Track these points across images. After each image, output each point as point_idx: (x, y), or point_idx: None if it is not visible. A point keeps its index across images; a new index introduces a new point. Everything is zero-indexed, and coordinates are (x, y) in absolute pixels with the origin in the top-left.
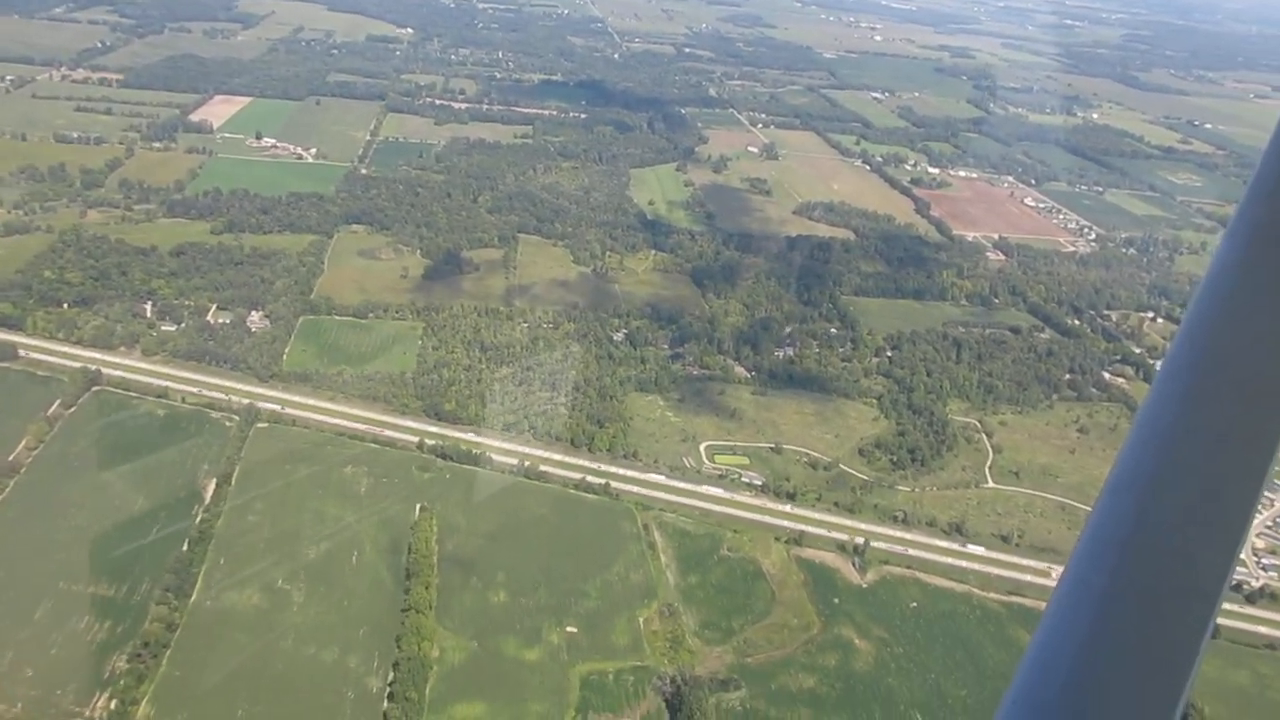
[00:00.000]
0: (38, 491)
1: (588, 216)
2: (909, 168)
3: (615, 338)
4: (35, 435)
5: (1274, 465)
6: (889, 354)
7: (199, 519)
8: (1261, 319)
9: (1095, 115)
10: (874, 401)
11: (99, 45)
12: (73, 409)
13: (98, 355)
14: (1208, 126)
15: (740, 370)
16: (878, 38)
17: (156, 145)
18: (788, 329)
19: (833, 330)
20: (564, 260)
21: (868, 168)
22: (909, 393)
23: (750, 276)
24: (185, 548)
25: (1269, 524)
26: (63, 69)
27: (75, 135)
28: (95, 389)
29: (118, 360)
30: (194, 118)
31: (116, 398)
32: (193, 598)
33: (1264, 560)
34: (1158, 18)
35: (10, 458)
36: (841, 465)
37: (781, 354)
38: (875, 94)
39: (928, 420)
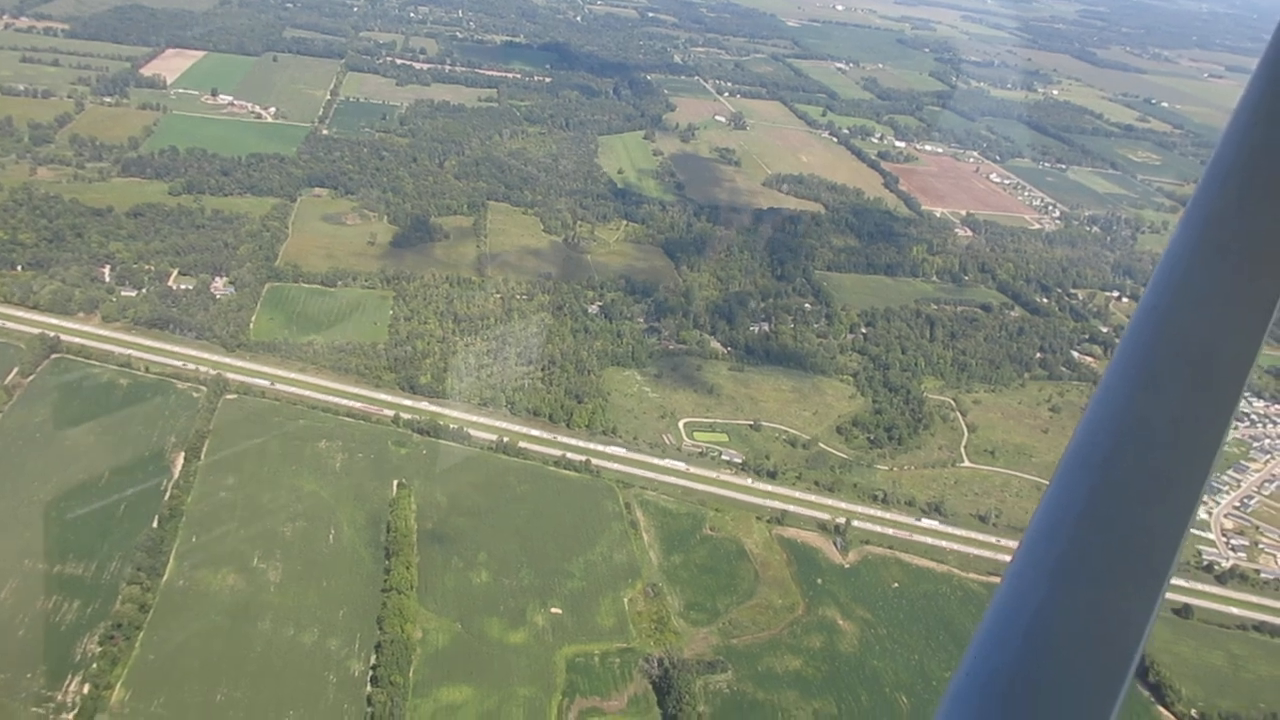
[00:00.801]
0: None
1: (557, 184)
2: (876, 141)
3: (590, 310)
4: None
5: (1222, 447)
6: (864, 330)
7: (168, 494)
8: (1213, 305)
9: (1055, 91)
10: (850, 379)
11: None
12: (31, 377)
13: (55, 321)
14: (1164, 105)
15: (716, 345)
16: (839, 7)
17: (108, 100)
18: (762, 304)
19: (807, 306)
20: (534, 229)
21: (835, 140)
22: (885, 370)
23: (723, 249)
24: (155, 524)
25: (1236, 504)
26: (4, 17)
27: (22, 88)
28: (54, 356)
29: (77, 326)
30: (146, 72)
31: (77, 366)
32: (165, 577)
33: (1233, 541)
34: None
35: None
36: (820, 444)
37: (757, 329)
38: (839, 64)
39: (904, 398)
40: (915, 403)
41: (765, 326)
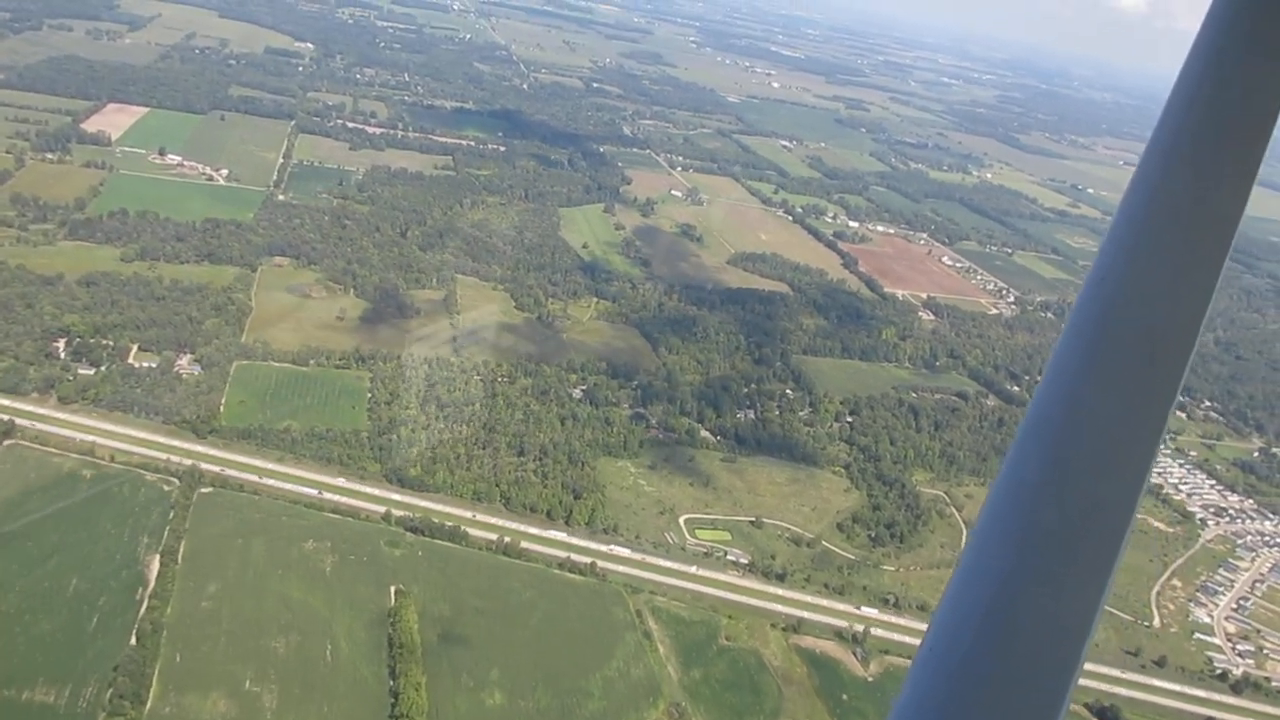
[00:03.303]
0: None
1: (524, 259)
2: (830, 220)
3: (574, 394)
4: None
5: (1155, 460)
6: (849, 419)
7: (145, 604)
8: (1154, 287)
9: (989, 175)
10: (842, 470)
11: None
12: None
13: (8, 403)
14: (1090, 191)
15: (706, 434)
16: (775, 84)
17: (50, 156)
18: (745, 389)
19: (789, 392)
20: (506, 305)
21: (790, 218)
22: (875, 462)
23: (699, 330)
24: (134, 640)
25: (1234, 606)
26: None
27: None
28: (8, 443)
29: (32, 409)
30: (88, 127)
31: (34, 454)
32: (149, 704)
33: (1239, 646)
34: (1023, 80)
35: None
36: (824, 542)
37: (743, 416)
38: (784, 142)
39: (899, 493)
40: (911, 497)
41: (751, 414)
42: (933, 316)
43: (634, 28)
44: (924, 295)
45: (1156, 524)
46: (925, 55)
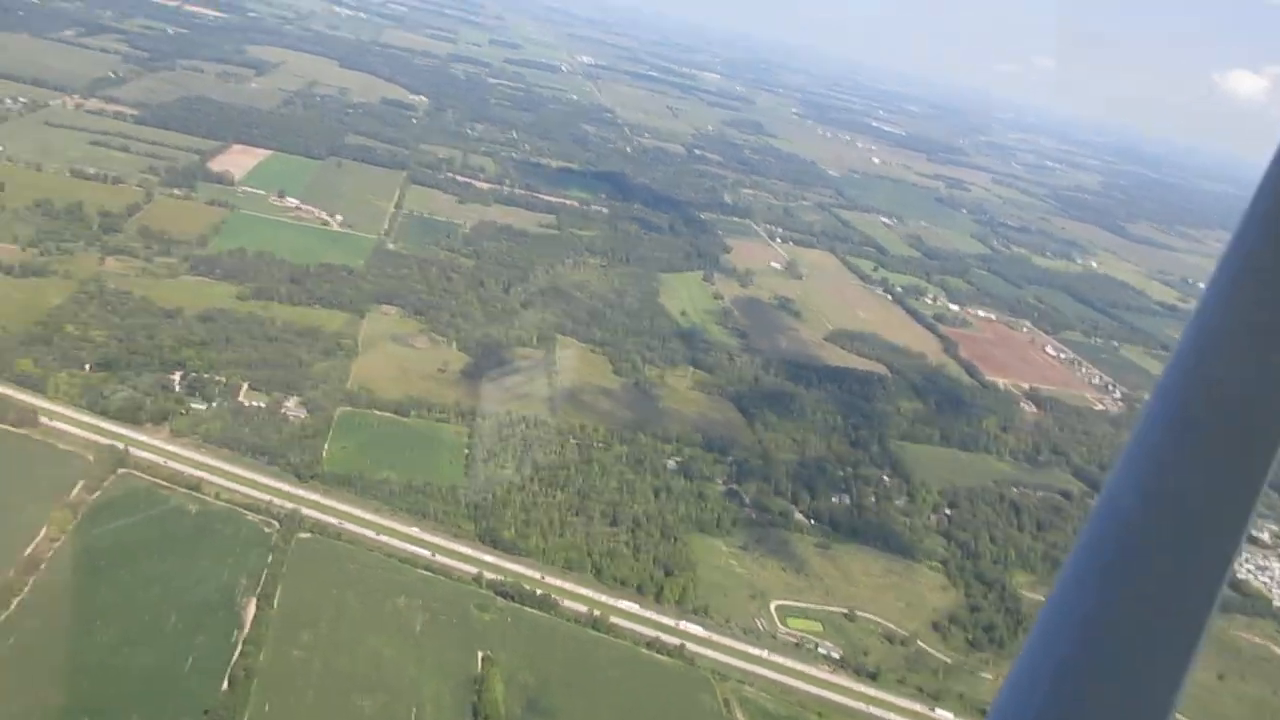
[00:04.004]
0: (59, 597)
1: (623, 322)
2: (929, 301)
3: (669, 465)
4: (57, 524)
5: (1266, 481)
6: (948, 511)
7: (239, 648)
8: (1253, 338)
9: (1094, 263)
10: (939, 566)
11: (111, 75)
12: (97, 494)
13: (124, 431)
14: (1201, 285)
15: (800, 516)
16: (876, 160)
17: (177, 192)
18: (841, 472)
19: (885, 478)
20: (603, 369)
21: (889, 297)
22: (974, 559)
23: (796, 408)
24: (226, 686)
25: None
26: (75, 97)
27: (92, 171)
28: (122, 471)
29: (145, 439)
30: (213, 166)
31: (145, 485)
32: None
33: None
34: (1130, 168)
35: (29, 551)
36: (919, 641)
37: (838, 500)
38: (884, 218)
39: (999, 594)
40: (1012, 600)
41: (846, 498)
42: (1035, 408)
43: (736, 96)
44: (1026, 385)
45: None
46: (1028, 137)
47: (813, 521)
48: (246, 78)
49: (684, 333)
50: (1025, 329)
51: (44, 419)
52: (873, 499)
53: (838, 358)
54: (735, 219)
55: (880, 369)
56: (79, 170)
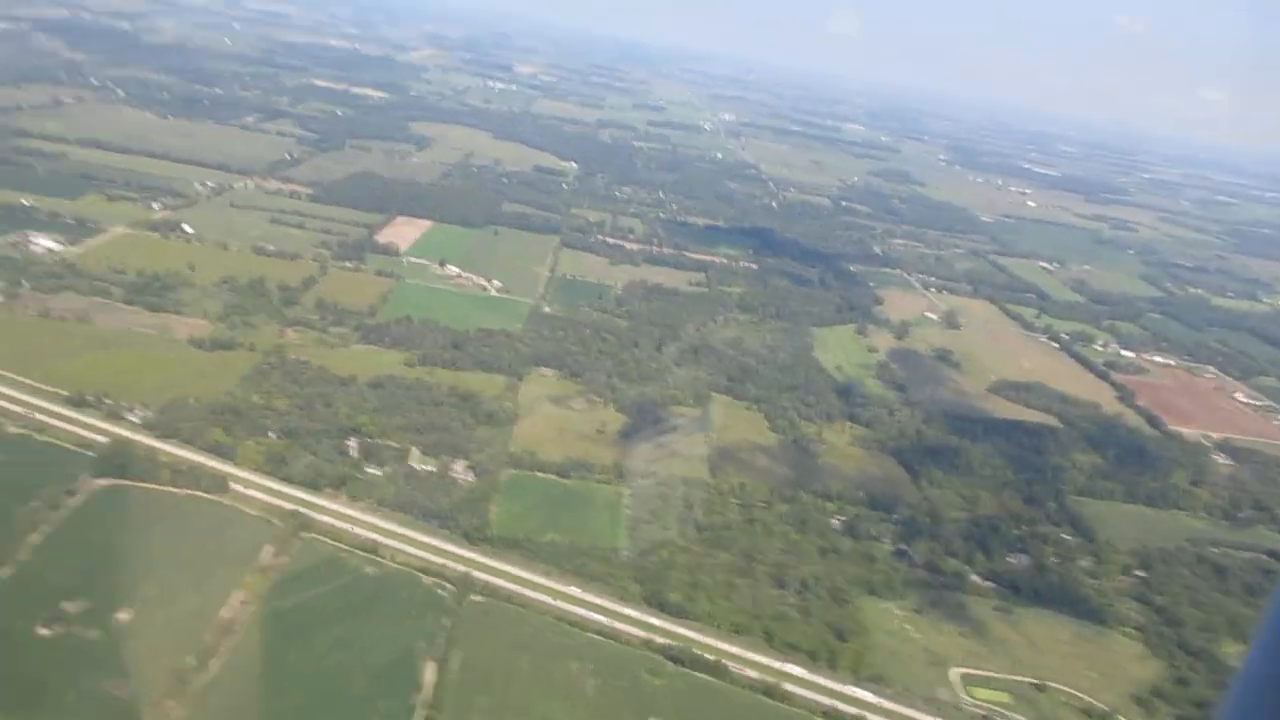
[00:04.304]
0: (254, 660)
1: (777, 378)
2: (1099, 348)
3: (833, 524)
4: (248, 588)
5: None
6: (1140, 573)
7: (421, 713)
8: None
9: None
10: (1136, 633)
11: (287, 157)
12: (284, 559)
13: (306, 496)
14: None
15: (975, 578)
16: (1031, 203)
17: (348, 264)
18: (1016, 530)
19: (1066, 536)
20: (760, 426)
21: (1055, 345)
22: (1177, 627)
23: (962, 462)
24: None
25: None
26: (256, 179)
27: (271, 248)
28: (305, 536)
29: (326, 504)
30: (380, 238)
31: (326, 549)
32: None
33: None
34: None
35: (227, 614)
36: (1120, 717)
37: (1016, 560)
38: (1044, 263)
39: (1208, 666)
40: (1223, 673)
41: (1025, 558)
42: (1229, 460)
43: (881, 146)
44: (1216, 435)
45: None
46: (1196, 173)
47: (990, 583)
48: (409, 153)
49: (840, 387)
50: (1210, 375)
51: (234, 485)
52: (1054, 559)
53: (1003, 409)
54: (886, 270)
55: (1050, 420)
56: (260, 247)
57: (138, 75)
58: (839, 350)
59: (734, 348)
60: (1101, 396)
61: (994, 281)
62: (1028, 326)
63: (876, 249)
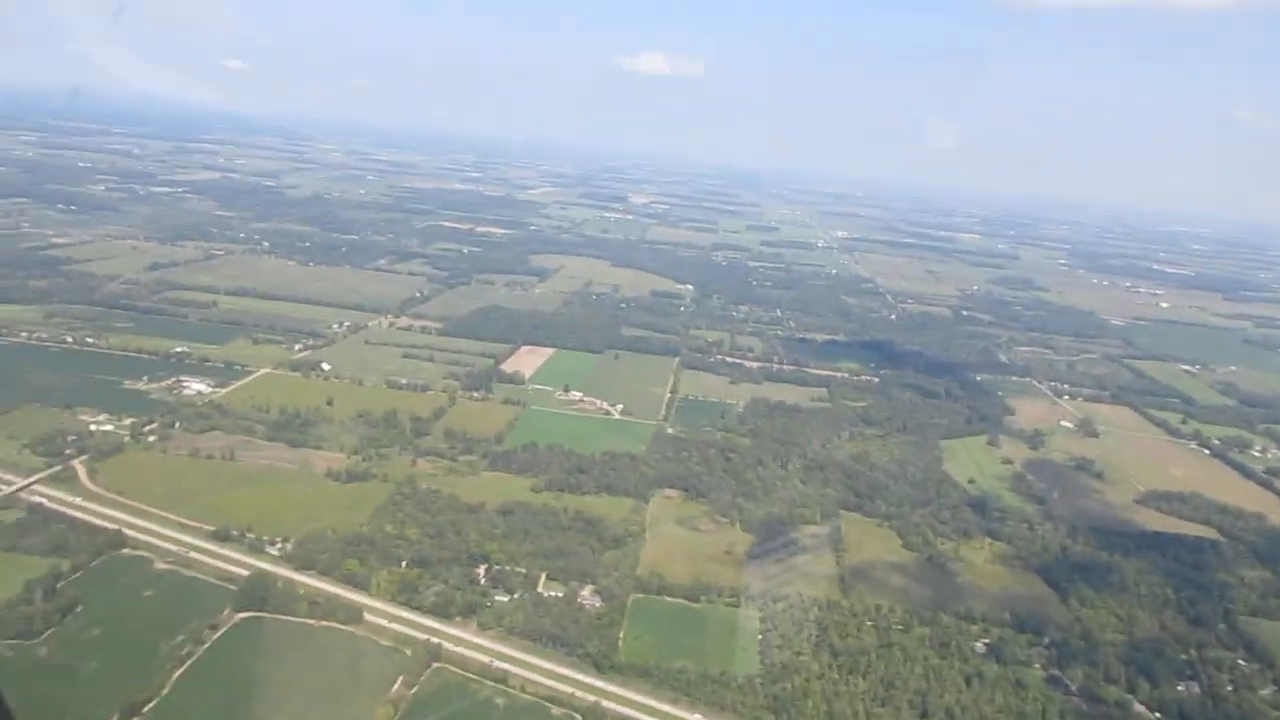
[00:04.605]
0: None
1: (908, 494)
2: (1257, 454)
3: (977, 648)
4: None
5: None
6: None
7: None
8: None
9: None
10: None
11: (417, 295)
12: (415, 689)
13: (437, 625)
14: None
15: (1141, 708)
16: (1164, 304)
17: (475, 394)
18: (1182, 655)
19: (1240, 662)
20: (892, 543)
21: (1206, 452)
22: None
23: (1115, 580)
24: None
25: None
26: (389, 316)
27: (404, 382)
28: (436, 665)
29: (456, 633)
30: (505, 367)
31: (456, 679)
32: None
33: None
34: None
35: None
36: None
37: (1184, 688)
38: (1185, 366)
39: None
40: None
41: (1195, 686)
42: None
43: (998, 254)
44: None
45: None
46: None
47: (1157, 715)
48: (531, 285)
49: (975, 501)
50: None
51: (368, 615)
52: (1230, 687)
53: (1155, 522)
54: (1014, 378)
55: (1209, 533)
56: (393, 381)
57: (281, 227)
58: (970, 462)
59: (860, 463)
60: (1266, 506)
61: (1132, 387)
62: (1173, 433)
63: (1002, 357)
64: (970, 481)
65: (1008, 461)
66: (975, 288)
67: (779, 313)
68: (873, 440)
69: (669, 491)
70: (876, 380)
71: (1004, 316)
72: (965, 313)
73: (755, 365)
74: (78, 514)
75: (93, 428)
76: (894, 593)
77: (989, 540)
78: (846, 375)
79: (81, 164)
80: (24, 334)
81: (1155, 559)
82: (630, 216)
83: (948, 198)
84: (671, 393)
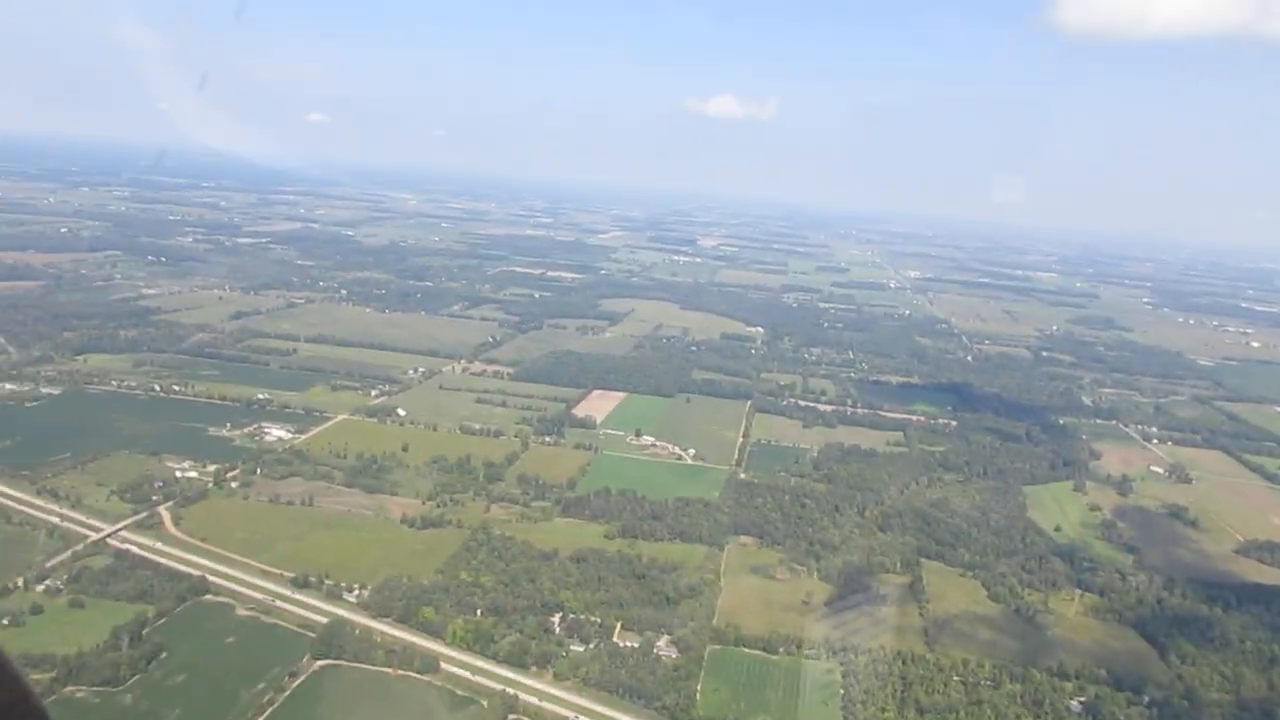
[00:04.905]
0: None
1: (991, 542)
2: None
3: (1072, 706)
4: None
5: None
6: None
7: None
8: None
9: None
10: None
11: (490, 340)
12: None
13: (512, 675)
14: None
15: None
16: (1255, 344)
17: (547, 440)
18: None
19: None
20: (977, 594)
21: None
22: None
23: (1217, 634)
24: None
25: None
26: (462, 361)
27: (477, 427)
28: (512, 717)
29: (531, 683)
30: (577, 412)
31: None
32: None
33: None
34: None
35: None
36: None
37: None
38: None
39: None
40: None
41: None
42: None
43: (1077, 293)
44: None
45: None
46: None
47: None
48: (601, 328)
49: (1062, 551)
50: None
51: (444, 664)
52: None
53: (1257, 573)
54: (1099, 422)
55: None
56: (467, 426)
57: (358, 276)
58: (1056, 509)
59: (941, 509)
60: None
61: (1224, 430)
62: (1270, 478)
63: (1086, 400)
64: (1056, 529)
65: (1095, 508)
66: (1054, 328)
67: (851, 355)
68: (952, 486)
69: (744, 538)
70: (954, 424)
71: (1086, 357)
72: (1045, 353)
73: (829, 409)
74: (163, 560)
75: (178, 474)
76: (981, 646)
77: (1079, 591)
78: (923, 418)
79: (171, 217)
80: (114, 382)
81: (1260, 613)
82: (699, 259)
83: (1021, 236)
84: (744, 437)
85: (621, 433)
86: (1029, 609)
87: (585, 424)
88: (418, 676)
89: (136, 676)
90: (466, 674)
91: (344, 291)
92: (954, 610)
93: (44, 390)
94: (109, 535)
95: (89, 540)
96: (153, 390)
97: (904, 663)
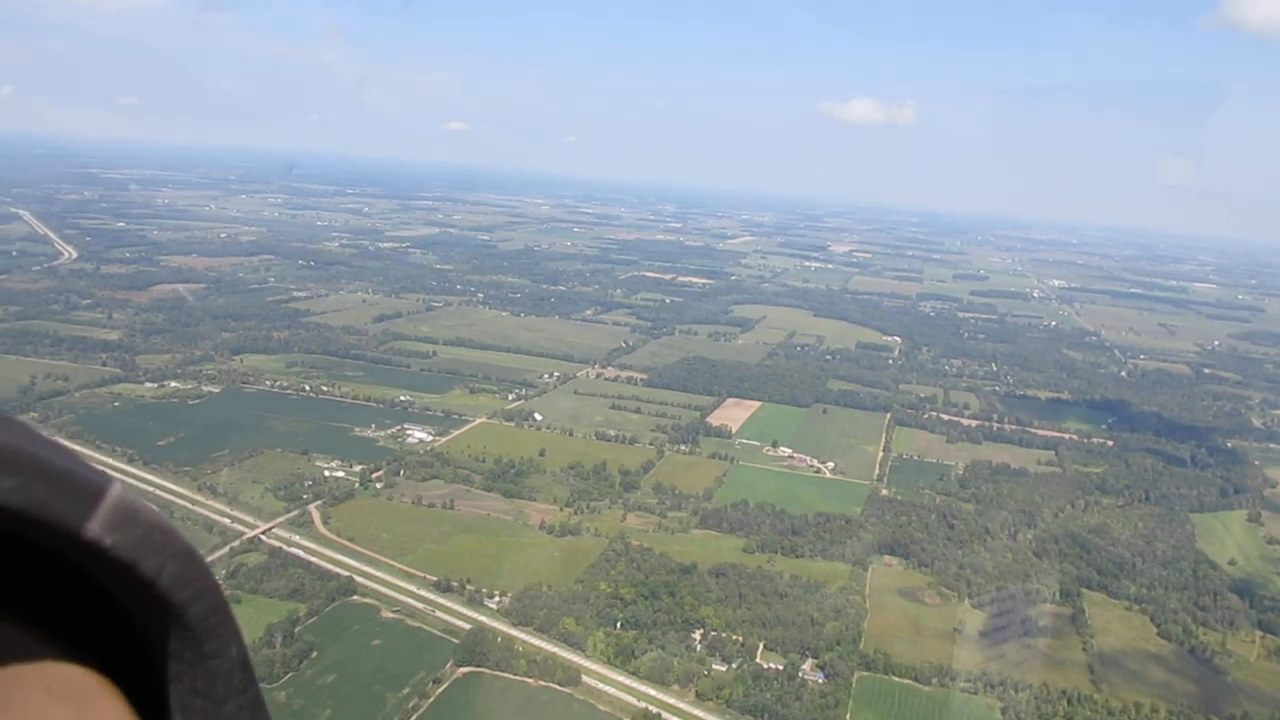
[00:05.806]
0: None
1: (1158, 574)
2: None
3: None
4: None
5: None
6: None
7: None
8: None
9: None
10: None
11: (623, 345)
12: None
13: (653, 692)
14: None
15: None
16: None
17: (682, 448)
18: None
19: None
20: (1144, 630)
21: None
22: None
23: None
24: None
25: None
26: (596, 366)
27: (612, 433)
28: None
29: (673, 702)
30: (712, 420)
31: None
32: None
33: None
34: None
35: None
36: None
37: None
38: None
39: None
40: None
41: None
42: None
43: (1239, 306)
44: None
45: None
46: None
47: None
48: (733, 335)
49: (1239, 586)
50: None
51: (585, 677)
52: None
53: None
54: (1272, 446)
55: None
56: (602, 433)
57: (494, 279)
58: (1230, 541)
59: (1101, 536)
60: None
61: None
62: None
63: (1257, 421)
64: (1231, 563)
65: (1274, 541)
66: (1216, 343)
67: (995, 367)
68: (1111, 511)
69: (889, 559)
70: (1111, 443)
71: (1254, 375)
72: (1207, 370)
73: (973, 423)
74: (313, 559)
75: (326, 473)
76: (1154, 688)
77: (1261, 633)
78: (1076, 437)
79: (319, 223)
80: (268, 382)
81: None
82: (831, 265)
83: (1174, 244)
84: (884, 451)
85: (757, 443)
86: (1204, 649)
87: (720, 433)
88: (559, 689)
89: (290, 674)
90: (608, 689)
91: (480, 295)
92: (1120, 646)
93: (205, 388)
94: (263, 532)
95: (245, 536)
96: (303, 390)
97: (1069, 702)
